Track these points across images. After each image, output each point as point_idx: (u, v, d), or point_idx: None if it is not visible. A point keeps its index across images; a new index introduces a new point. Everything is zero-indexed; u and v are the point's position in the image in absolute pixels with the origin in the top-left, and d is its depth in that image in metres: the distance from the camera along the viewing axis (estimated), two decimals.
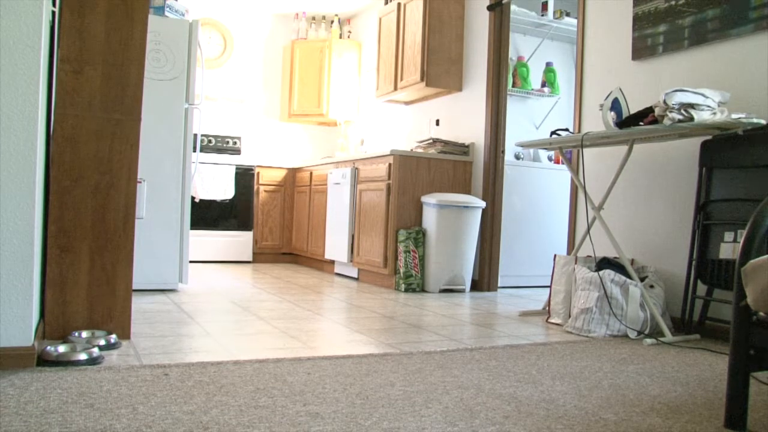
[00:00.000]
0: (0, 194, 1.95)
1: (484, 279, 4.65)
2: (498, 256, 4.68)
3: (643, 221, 3.47)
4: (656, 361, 2.49)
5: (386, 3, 5.77)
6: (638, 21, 3.49)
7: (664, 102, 2.79)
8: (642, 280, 3.11)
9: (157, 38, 3.91)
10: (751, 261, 1.63)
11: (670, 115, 2.76)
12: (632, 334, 2.94)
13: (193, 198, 5.85)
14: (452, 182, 4.77)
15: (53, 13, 2.40)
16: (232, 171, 6.10)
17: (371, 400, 1.81)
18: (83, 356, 2.07)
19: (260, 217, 6.35)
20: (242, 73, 6.91)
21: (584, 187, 3.29)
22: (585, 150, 3.59)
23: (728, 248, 2.90)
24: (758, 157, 2.82)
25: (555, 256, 3.45)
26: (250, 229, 6.26)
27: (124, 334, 2.47)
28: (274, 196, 6.44)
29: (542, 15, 5.21)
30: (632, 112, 3.06)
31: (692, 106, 2.74)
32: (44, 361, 2.03)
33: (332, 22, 6.96)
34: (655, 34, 3.40)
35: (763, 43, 2.90)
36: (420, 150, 4.88)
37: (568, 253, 3.82)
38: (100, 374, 1.96)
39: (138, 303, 3.36)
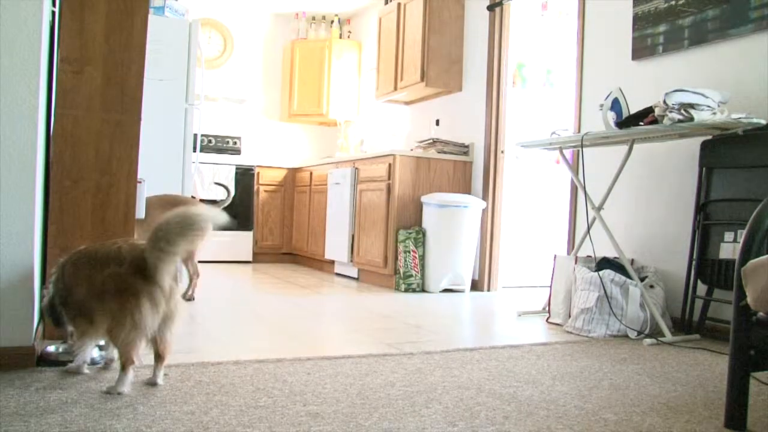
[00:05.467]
0: (0, 194, 1.94)
1: (484, 279, 4.65)
2: (498, 256, 4.67)
3: (643, 221, 3.47)
4: (656, 361, 2.49)
5: (386, 3, 5.77)
6: (638, 21, 3.49)
7: (664, 102, 2.79)
8: (642, 280, 3.11)
9: (157, 38, 3.91)
10: (751, 261, 1.63)
11: (670, 115, 2.76)
12: (632, 334, 2.94)
13: (193, 198, 5.84)
14: (452, 182, 4.77)
15: (53, 13, 2.40)
16: (232, 171, 6.10)
17: (371, 400, 1.81)
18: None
19: (260, 217, 6.35)
20: (242, 73, 6.91)
21: (584, 187, 3.28)
22: (585, 150, 3.59)
23: (728, 248, 2.90)
24: (758, 157, 2.82)
25: (555, 256, 3.45)
26: (250, 229, 6.26)
27: None
28: (274, 196, 6.44)
29: (542, 15, 5.21)
30: (632, 112, 3.06)
31: (692, 106, 2.73)
32: (44, 361, 2.03)
33: (332, 22, 6.96)
34: (655, 34, 3.40)
35: (763, 43, 2.90)
36: (420, 150, 4.88)
37: (568, 253, 3.82)
38: (100, 374, 1.96)
39: None
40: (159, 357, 1.87)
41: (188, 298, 3.51)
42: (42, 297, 1.99)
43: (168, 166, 3.93)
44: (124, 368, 1.77)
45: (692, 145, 3.17)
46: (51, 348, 2.09)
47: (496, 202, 4.66)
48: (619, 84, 3.31)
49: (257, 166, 6.33)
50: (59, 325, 1.92)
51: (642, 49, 3.47)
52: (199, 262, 6.12)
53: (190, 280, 3.56)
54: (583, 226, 3.58)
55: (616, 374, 2.24)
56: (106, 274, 1.78)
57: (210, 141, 6.58)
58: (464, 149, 4.83)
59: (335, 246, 5.35)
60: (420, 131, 5.56)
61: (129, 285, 1.74)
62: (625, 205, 3.56)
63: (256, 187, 6.31)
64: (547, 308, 3.46)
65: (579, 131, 3.84)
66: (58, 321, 1.91)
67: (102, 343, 2.27)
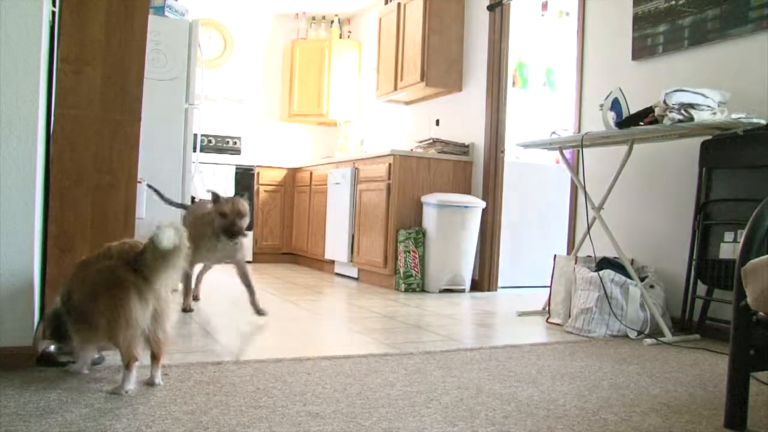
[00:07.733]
0: (0, 194, 1.94)
1: (484, 279, 4.65)
2: (498, 256, 4.68)
3: (643, 221, 3.47)
4: (656, 361, 2.49)
5: (386, 3, 5.77)
6: (638, 21, 3.49)
7: (664, 102, 2.79)
8: (642, 280, 3.11)
9: (157, 38, 3.91)
10: (751, 261, 1.63)
11: (670, 115, 2.76)
12: (632, 334, 2.94)
13: (193, 198, 5.84)
14: (452, 182, 4.77)
15: (53, 13, 2.40)
16: (232, 171, 6.10)
17: (371, 400, 1.81)
18: None
19: (260, 217, 6.35)
20: (242, 73, 6.91)
21: (584, 187, 3.28)
22: (585, 150, 3.59)
23: (728, 248, 2.89)
24: (758, 157, 2.82)
25: (555, 256, 3.45)
26: (250, 229, 6.25)
27: None
28: (274, 196, 6.44)
29: (542, 15, 5.21)
30: (632, 112, 3.06)
31: (692, 106, 2.74)
32: (44, 361, 2.02)
33: (332, 22, 6.96)
34: (655, 34, 3.40)
35: (763, 43, 2.90)
36: (420, 150, 4.88)
37: (568, 253, 3.82)
38: (100, 374, 1.96)
39: None
40: (153, 357, 1.87)
41: (185, 308, 3.25)
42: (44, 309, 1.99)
43: (168, 166, 3.93)
44: (128, 367, 1.78)
45: (692, 145, 3.17)
46: (51, 348, 2.08)
47: (496, 202, 4.66)
48: (619, 84, 3.31)
49: (257, 166, 6.33)
50: (57, 338, 1.92)
51: (642, 49, 3.47)
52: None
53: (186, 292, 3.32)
54: (583, 226, 3.58)
55: (616, 374, 2.24)
56: (95, 269, 1.81)
57: (210, 141, 6.58)
58: (464, 149, 4.83)
59: (335, 246, 5.35)
60: (420, 131, 5.56)
61: (117, 278, 1.75)
62: (625, 205, 3.56)
63: (256, 187, 6.31)
64: (547, 308, 3.45)
65: (579, 131, 3.84)
66: (57, 334, 1.91)
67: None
